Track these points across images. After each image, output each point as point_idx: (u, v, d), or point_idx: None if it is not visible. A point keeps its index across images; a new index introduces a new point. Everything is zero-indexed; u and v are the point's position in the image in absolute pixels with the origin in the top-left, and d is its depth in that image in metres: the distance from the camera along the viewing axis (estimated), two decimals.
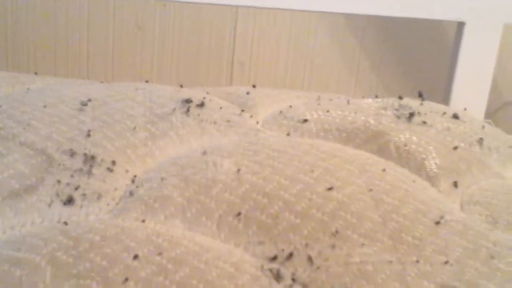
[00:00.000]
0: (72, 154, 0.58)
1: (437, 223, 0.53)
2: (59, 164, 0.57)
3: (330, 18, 1.29)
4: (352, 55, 1.32)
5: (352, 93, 1.33)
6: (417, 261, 0.49)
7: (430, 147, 0.66)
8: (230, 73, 1.32)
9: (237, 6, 1.27)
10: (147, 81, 0.81)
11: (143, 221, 0.53)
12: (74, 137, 0.60)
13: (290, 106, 0.75)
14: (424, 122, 0.70)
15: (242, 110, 0.73)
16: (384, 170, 0.59)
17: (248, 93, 0.78)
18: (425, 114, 0.72)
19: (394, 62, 1.32)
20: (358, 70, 1.34)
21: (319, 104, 0.75)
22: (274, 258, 0.50)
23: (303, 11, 1.25)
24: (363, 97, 0.83)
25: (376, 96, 0.81)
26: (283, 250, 0.50)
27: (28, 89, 0.72)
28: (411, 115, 0.71)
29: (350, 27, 1.30)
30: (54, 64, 1.28)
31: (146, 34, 1.28)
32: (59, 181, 0.55)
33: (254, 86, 0.83)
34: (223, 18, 1.29)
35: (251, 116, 0.72)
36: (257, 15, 1.29)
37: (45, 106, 0.64)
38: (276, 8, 1.23)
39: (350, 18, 1.28)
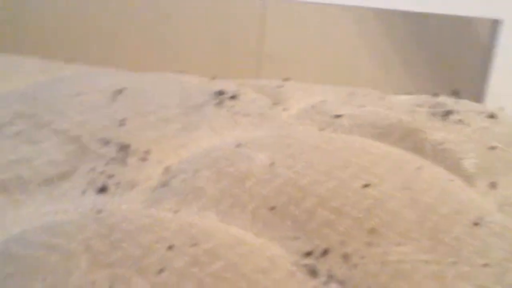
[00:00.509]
0: (106, 142, 0.58)
1: (476, 224, 0.52)
2: (93, 152, 0.57)
3: (360, 13, 1.27)
4: (382, 50, 1.31)
5: (381, 89, 1.31)
6: (455, 262, 0.48)
7: (467, 147, 0.65)
8: (258, 65, 1.32)
9: None
10: (179, 72, 0.81)
11: (176, 212, 0.52)
12: (107, 125, 0.60)
13: (323, 101, 0.74)
14: (460, 121, 0.69)
15: (275, 103, 0.72)
16: (420, 168, 0.58)
17: (280, 86, 0.77)
18: (461, 112, 0.71)
19: (425, 58, 1.30)
20: (388, 66, 1.32)
21: (352, 99, 0.74)
22: (309, 254, 0.49)
23: (332, 5, 1.24)
24: (395, 94, 0.82)
25: (408, 93, 0.80)
26: (318, 246, 0.49)
27: (60, 76, 0.72)
28: (447, 113, 0.70)
29: (381, 22, 1.28)
30: (85, 52, 1.28)
31: (175, 24, 1.27)
32: (93, 169, 0.55)
33: (286, 79, 0.82)
34: (252, 10, 1.28)
35: (284, 110, 0.72)
36: (286, 7, 1.28)
37: (78, 94, 0.64)
38: (306, 2, 1.22)
39: (381, 13, 1.27)
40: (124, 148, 0.57)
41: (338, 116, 0.69)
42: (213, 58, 1.29)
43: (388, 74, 1.31)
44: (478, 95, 1.04)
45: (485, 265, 0.48)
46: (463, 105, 0.75)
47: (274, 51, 1.30)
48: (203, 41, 1.28)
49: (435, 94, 0.76)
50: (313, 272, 0.47)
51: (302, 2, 1.23)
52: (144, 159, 0.58)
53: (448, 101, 0.75)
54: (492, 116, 0.71)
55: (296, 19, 1.28)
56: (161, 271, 0.44)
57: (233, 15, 1.27)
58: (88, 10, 1.26)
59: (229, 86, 0.72)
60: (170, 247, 0.45)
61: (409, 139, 0.66)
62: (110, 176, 0.55)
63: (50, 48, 1.25)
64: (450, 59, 1.28)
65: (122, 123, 0.60)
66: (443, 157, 0.64)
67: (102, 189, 0.54)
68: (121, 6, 1.26)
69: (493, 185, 0.62)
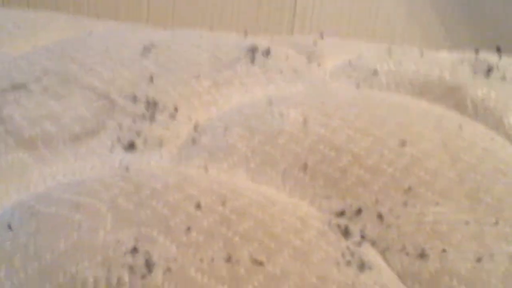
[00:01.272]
0: (135, 99, 0.56)
1: None
2: (121, 109, 0.55)
3: None
4: (419, 7, 1.26)
5: (417, 45, 1.27)
6: (496, 223, 0.46)
7: (510, 103, 0.62)
8: (292, 20, 1.29)
9: None
10: (211, 29, 0.79)
11: (206, 169, 0.51)
12: (136, 82, 0.58)
13: (359, 57, 0.71)
14: (503, 78, 0.66)
15: (310, 60, 0.70)
16: (460, 126, 0.56)
17: (315, 42, 0.75)
18: (504, 69, 0.68)
19: (464, 15, 1.26)
20: (425, 23, 1.28)
21: (390, 55, 0.71)
22: (341, 214, 0.47)
23: None
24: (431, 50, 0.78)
25: (448, 50, 0.77)
26: (351, 205, 0.48)
27: (90, 32, 0.71)
28: (490, 70, 0.67)
29: None
30: (115, 8, 1.27)
31: None
32: (120, 126, 0.54)
33: (321, 36, 0.79)
34: None
35: (318, 66, 0.69)
36: None
37: (107, 50, 0.62)
38: None
39: None
40: (152, 104, 0.56)
41: (375, 73, 0.67)
42: (246, 12, 1.26)
43: (425, 30, 1.27)
44: None
45: None
46: (506, 62, 0.71)
47: (308, 5, 1.27)
48: None
49: (477, 51, 0.73)
50: (345, 232, 0.46)
51: None
52: (173, 116, 0.56)
53: (490, 58, 0.71)
54: None
55: None
56: (188, 230, 0.42)
57: None
58: None
59: (262, 42, 0.70)
60: (198, 206, 0.44)
61: (450, 96, 0.63)
62: (138, 133, 0.53)
63: (82, 6, 1.24)
64: (490, 15, 1.24)
65: (151, 79, 0.59)
66: (484, 114, 0.61)
67: (130, 146, 0.52)
68: None
69: None
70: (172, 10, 1.26)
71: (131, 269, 0.40)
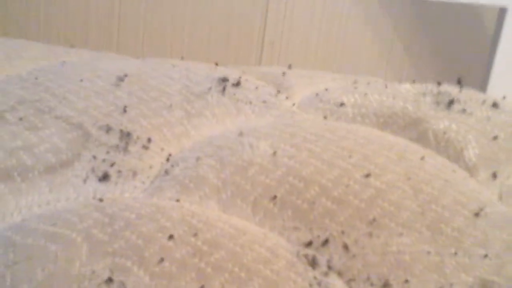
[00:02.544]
0: (108, 130, 0.58)
1: (477, 214, 0.52)
2: (95, 140, 0.57)
3: (363, 0, 1.27)
4: (384, 38, 1.30)
5: (382, 76, 1.31)
6: (456, 253, 0.48)
7: (470, 136, 0.65)
8: (260, 52, 1.31)
9: None
10: (182, 58, 0.80)
11: (178, 200, 0.52)
12: (110, 112, 0.60)
13: (327, 89, 0.74)
14: (464, 110, 0.69)
15: (278, 91, 0.72)
16: (423, 158, 0.58)
17: (284, 73, 0.77)
18: (465, 101, 0.71)
19: (427, 46, 1.29)
20: (390, 54, 1.32)
21: (356, 87, 0.74)
22: (309, 244, 0.49)
23: None
24: (395, 82, 0.81)
25: (412, 82, 0.80)
26: (318, 236, 0.50)
27: (64, 62, 0.72)
28: (451, 102, 0.70)
29: (383, 9, 1.28)
30: (85, 36, 1.28)
31: (177, 9, 1.27)
32: (95, 157, 0.55)
33: (290, 67, 0.81)
34: None
35: (287, 98, 0.71)
36: None
37: (81, 80, 0.64)
38: None
39: (384, 0, 1.26)
40: (126, 135, 0.57)
41: (341, 105, 0.69)
42: (215, 44, 1.28)
43: (390, 62, 1.31)
44: (481, 84, 1.04)
45: (485, 256, 0.48)
46: (467, 94, 0.74)
47: (275, 38, 1.29)
48: (206, 27, 1.27)
49: (439, 83, 0.76)
50: (313, 262, 0.47)
51: None
52: (146, 147, 0.57)
53: (451, 90, 0.74)
54: (495, 105, 0.71)
55: (298, 5, 1.27)
56: (161, 261, 0.44)
57: (238, 2, 1.26)
58: None
59: (233, 73, 0.71)
60: (171, 237, 0.46)
61: (412, 128, 0.66)
62: (112, 164, 0.55)
63: (52, 34, 1.25)
64: (453, 47, 1.28)
65: (124, 110, 0.60)
66: (446, 146, 0.64)
67: (104, 177, 0.54)
68: None
69: (494, 175, 0.62)
70: (142, 41, 1.27)
71: None
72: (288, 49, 1.31)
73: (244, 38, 1.29)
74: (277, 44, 1.31)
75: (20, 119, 0.57)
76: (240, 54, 1.29)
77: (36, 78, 0.63)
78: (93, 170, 0.54)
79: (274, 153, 0.56)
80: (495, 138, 0.66)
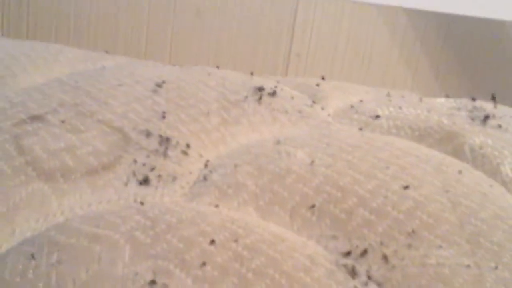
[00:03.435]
0: (148, 134, 0.58)
1: None
2: (136, 144, 0.57)
3: (391, 13, 1.27)
4: (411, 52, 1.30)
5: (408, 90, 1.30)
6: (496, 267, 0.48)
7: (506, 152, 0.65)
8: (287, 63, 1.31)
9: None
10: (217, 67, 0.81)
11: (217, 206, 0.53)
12: (149, 117, 0.60)
13: (361, 101, 0.74)
14: (500, 126, 0.69)
15: (313, 102, 0.72)
16: (460, 172, 0.58)
17: (318, 84, 0.77)
18: (500, 117, 0.71)
19: (455, 62, 1.29)
20: (416, 68, 1.32)
21: (390, 100, 0.74)
22: (348, 254, 0.49)
23: (364, 3, 1.23)
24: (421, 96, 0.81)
25: (446, 96, 0.80)
26: (357, 246, 0.50)
27: (103, 67, 0.73)
28: (486, 117, 0.70)
29: (411, 23, 1.27)
30: (114, 45, 1.29)
31: (205, 20, 1.28)
32: (135, 161, 0.56)
33: (323, 78, 0.82)
34: (283, 8, 1.28)
35: (322, 108, 0.72)
36: (317, 6, 1.28)
37: (120, 85, 0.64)
38: (337, 0, 1.22)
39: (411, 14, 1.26)
40: (165, 140, 0.58)
41: (377, 117, 0.69)
42: (242, 55, 1.29)
43: (416, 77, 1.31)
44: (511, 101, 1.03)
45: None
46: (501, 110, 0.74)
47: (302, 50, 1.30)
48: (233, 38, 1.28)
49: (473, 98, 0.76)
50: (352, 272, 0.47)
51: (332, 0, 1.23)
52: (185, 153, 0.58)
53: (486, 106, 0.74)
54: None
55: (326, 17, 1.28)
56: (203, 265, 0.44)
57: (266, 12, 1.27)
58: (121, 6, 1.27)
59: (268, 82, 0.72)
60: (212, 241, 0.46)
61: (448, 142, 0.66)
62: (152, 168, 0.55)
63: (82, 41, 1.26)
64: (482, 63, 1.27)
65: (163, 115, 0.61)
66: (482, 161, 0.64)
67: (144, 181, 0.54)
68: (154, 4, 1.27)
69: None
70: (169, 50, 1.28)
71: None
72: (314, 61, 1.32)
73: (271, 49, 1.29)
74: (303, 56, 1.31)
75: (62, 121, 0.58)
76: (267, 65, 1.30)
77: (77, 82, 0.64)
78: (134, 173, 0.55)
79: (312, 162, 0.56)
80: None
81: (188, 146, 0.59)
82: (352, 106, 0.72)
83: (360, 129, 0.68)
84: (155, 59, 1.25)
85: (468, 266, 0.48)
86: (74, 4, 1.25)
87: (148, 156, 0.56)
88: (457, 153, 0.65)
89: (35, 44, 0.81)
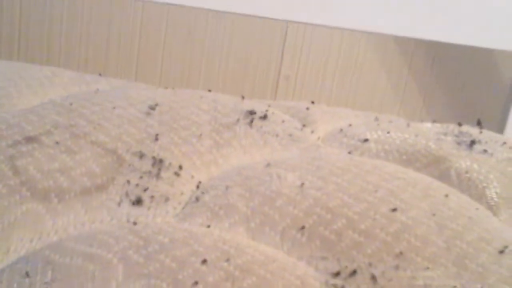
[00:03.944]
0: (141, 156, 0.59)
1: (501, 252, 0.53)
2: (129, 165, 0.58)
3: (379, 39, 1.29)
4: (399, 77, 1.32)
5: (396, 115, 1.32)
6: None
7: (491, 176, 0.66)
8: (276, 85, 1.33)
9: (287, 21, 1.28)
10: (209, 90, 0.82)
11: (209, 226, 0.54)
12: (143, 139, 0.61)
13: (350, 125, 0.75)
14: (485, 151, 0.70)
15: (304, 125, 0.73)
16: (447, 195, 0.60)
17: (308, 108, 0.79)
18: (486, 142, 0.72)
19: (443, 89, 1.31)
20: (404, 93, 1.34)
21: (378, 124, 0.76)
22: (337, 274, 0.50)
23: (353, 30, 1.25)
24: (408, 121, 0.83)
25: (432, 121, 0.81)
26: (346, 267, 0.51)
27: (97, 89, 0.74)
28: (472, 142, 0.71)
29: (399, 49, 1.30)
30: (105, 65, 1.30)
31: (196, 42, 1.29)
32: (128, 182, 0.57)
33: (313, 102, 0.83)
34: (273, 32, 1.30)
35: (312, 132, 0.73)
36: (307, 31, 1.30)
37: (114, 108, 0.65)
38: (326, 26, 1.24)
39: (399, 40, 1.28)
40: (158, 162, 0.59)
41: (365, 140, 0.71)
42: (232, 77, 1.30)
43: (404, 102, 1.32)
44: (498, 127, 1.05)
45: None
46: (487, 136, 0.76)
47: (291, 72, 1.32)
48: (223, 61, 1.29)
49: (459, 124, 0.77)
50: None
51: (322, 26, 1.25)
52: (177, 174, 0.59)
53: (472, 131, 0.76)
54: None
55: (315, 41, 1.29)
56: (195, 284, 0.45)
57: (257, 35, 1.29)
58: (113, 27, 1.28)
59: (260, 106, 0.73)
60: (204, 261, 0.47)
61: (435, 166, 0.67)
62: (145, 189, 0.56)
63: (73, 61, 1.27)
64: (469, 90, 1.29)
65: (156, 137, 0.62)
66: (468, 185, 0.65)
67: (137, 202, 0.55)
68: (145, 25, 1.28)
69: None
70: (160, 72, 1.30)
71: None
72: (303, 84, 1.33)
73: (261, 71, 1.31)
74: (292, 78, 1.33)
75: (56, 142, 0.58)
76: (257, 86, 1.31)
77: (71, 104, 0.65)
78: (127, 194, 0.56)
79: (302, 184, 0.57)
80: None
81: (180, 167, 0.60)
82: (341, 130, 0.73)
83: (349, 152, 0.69)
84: (146, 79, 1.26)
85: (455, 287, 0.49)
86: (66, 25, 1.26)
87: (141, 177, 0.57)
88: (444, 177, 0.66)
89: (30, 66, 0.82)
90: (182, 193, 0.58)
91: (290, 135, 0.70)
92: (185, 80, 1.31)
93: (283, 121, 0.72)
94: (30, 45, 1.28)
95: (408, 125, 0.76)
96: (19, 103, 0.70)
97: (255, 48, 1.30)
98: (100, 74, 0.86)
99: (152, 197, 0.56)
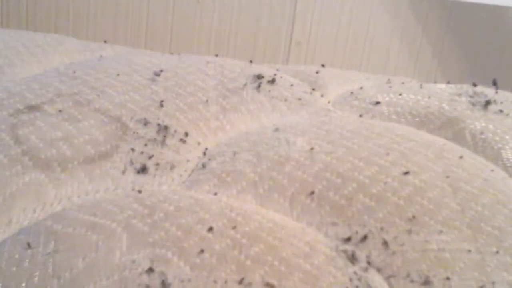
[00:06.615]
0: (146, 123, 0.58)
1: None
2: (133, 133, 0.57)
3: (392, 1, 1.26)
4: (413, 39, 1.29)
5: (410, 77, 1.30)
6: (497, 252, 0.48)
7: (507, 137, 0.64)
8: (287, 51, 1.31)
9: None
10: (216, 55, 0.81)
11: (215, 194, 0.52)
12: (147, 106, 0.60)
13: (361, 88, 0.73)
14: (501, 111, 0.68)
15: (313, 89, 0.72)
16: (461, 157, 0.58)
17: (317, 72, 0.77)
18: (501, 102, 0.70)
19: (457, 48, 1.28)
20: (418, 55, 1.31)
21: (390, 87, 0.74)
22: (348, 240, 0.49)
23: None
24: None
25: (446, 82, 0.79)
26: (357, 232, 0.49)
27: (101, 56, 0.72)
28: (487, 103, 0.69)
29: (413, 10, 1.27)
30: (113, 33, 1.28)
31: (205, 8, 1.27)
32: (133, 149, 0.55)
33: (323, 66, 0.81)
34: None
35: (321, 96, 0.71)
36: None
37: (118, 74, 0.64)
38: None
39: (413, 1, 1.25)
40: (163, 129, 0.58)
41: (377, 103, 0.69)
42: (242, 43, 1.28)
43: (418, 63, 1.30)
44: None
45: None
46: (502, 96, 0.74)
47: (303, 38, 1.29)
48: (233, 26, 1.27)
49: (474, 84, 0.75)
50: (352, 258, 0.47)
51: None
52: (183, 141, 0.58)
53: (487, 91, 0.74)
54: None
55: (326, 5, 1.27)
56: (201, 252, 0.44)
57: (267, 1, 1.26)
58: None
59: (267, 70, 0.71)
60: (210, 229, 0.46)
61: (448, 128, 0.66)
62: (150, 157, 0.55)
63: (81, 30, 1.26)
64: (483, 49, 1.26)
65: (161, 104, 0.60)
66: (483, 147, 0.63)
67: (142, 170, 0.54)
68: None
69: None
70: (170, 39, 1.28)
71: None
72: (315, 49, 1.31)
73: (271, 38, 1.29)
74: (304, 44, 1.31)
75: (59, 111, 0.57)
76: (268, 53, 1.29)
77: (74, 72, 0.64)
78: (131, 162, 0.54)
79: (311, 149, 0.56)
80: None
81: (186, 134, 0.58)
82: (352, 93, 0.71)
83: (360, 115, 0.67)
84: (155, 48, 1.25)
85: (469, 251, 0.48)
86: None
87: (146, 145, 0.56)
88: (458, 138, 0.64)
89: (34, 34, 0.80)
90: (188, 160, 0.56)
91: (299, 99, 0.68)
92: (195, 47, 1.29)
93: (292, 85, 0.70)
94: (38, 15, 1.26)
95: (421, 86, 0.74)
96: (22, 71, 0.68)
97: (265, 14, 1.28)
98: (105, 41, 0.84)
99: (157, 164, 0.55)
